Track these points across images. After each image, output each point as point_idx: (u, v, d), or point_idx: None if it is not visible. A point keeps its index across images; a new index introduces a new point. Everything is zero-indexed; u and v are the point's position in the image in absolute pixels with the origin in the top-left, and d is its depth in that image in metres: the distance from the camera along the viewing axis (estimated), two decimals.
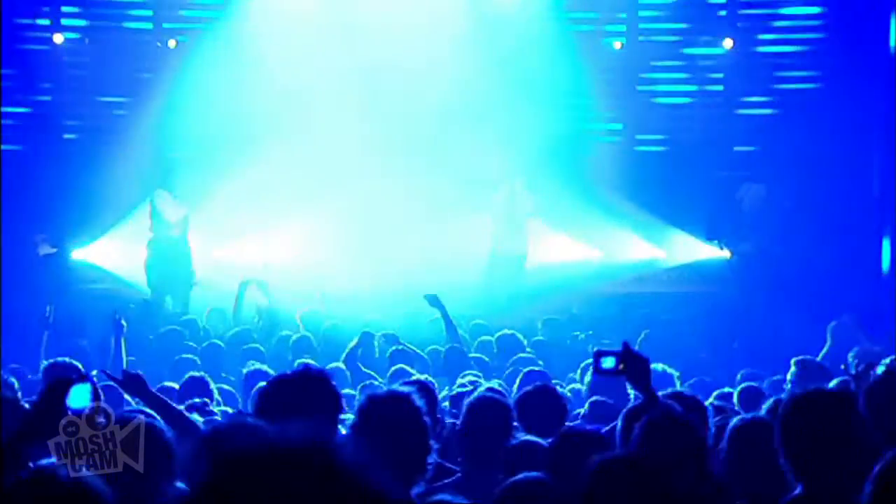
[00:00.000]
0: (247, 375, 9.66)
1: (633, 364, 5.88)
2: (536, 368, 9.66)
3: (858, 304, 15.08)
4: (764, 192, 17.10)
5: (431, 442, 4.79)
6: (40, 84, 18.18)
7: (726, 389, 9.42)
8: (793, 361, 9.39)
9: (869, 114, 17.25)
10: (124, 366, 9.68)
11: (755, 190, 17.06)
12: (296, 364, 8.33)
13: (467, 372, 10.26)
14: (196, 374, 9.03)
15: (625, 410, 5.79)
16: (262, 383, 6.00)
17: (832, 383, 7.56)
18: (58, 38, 18.13)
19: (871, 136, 17.35)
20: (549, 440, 5.73)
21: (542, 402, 6.97)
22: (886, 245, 16.93)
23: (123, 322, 10.68)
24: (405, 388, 5.11)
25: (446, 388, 9.64)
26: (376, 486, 1.93)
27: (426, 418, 4.80)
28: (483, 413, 6.17)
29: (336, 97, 17.35)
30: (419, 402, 4.81)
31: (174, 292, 16.37)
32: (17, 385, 8.98)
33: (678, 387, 8.64)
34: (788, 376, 9.22)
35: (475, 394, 6.81)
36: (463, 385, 8.89)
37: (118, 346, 10.47)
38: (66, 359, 8.72)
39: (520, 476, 5.06)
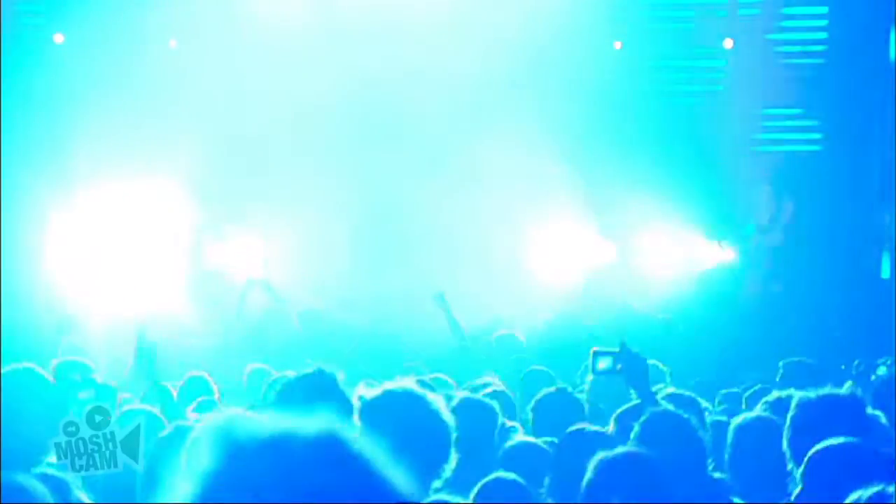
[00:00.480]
0: (248, 375, 9.66)
1: (630, 364, 5.90)
2: (539, 368, 9.66)
3: (858, 308, 15.14)
4: (769, 192, 17.11)
5: (450, 444, 4.57)
6: (40, 84, 18.17)
7: (734, 390, 9.41)
8: (780, 363, 9.39)
9: (869, 115, 17.28)
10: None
11: (764, 191, 17.06)
12: (300, 364, 8.32)
13: (487, 379, 10.24)
14: (197, 373, 9.03)
15: (616, 413, 5.81)
16: (273, 380, 6.00)
17: (846, 386, 7.54)
18: (58, 38, 18.12)
19: (872, 138, 17.36)
20: (550, 441, 5.74)
21: (558, 405, 6.98)
22: (886, 253, 16.93)
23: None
24: (419, 388, 5.00)
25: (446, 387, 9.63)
26: (387, 480, 1.93)
27: (442, 418, 4.61)
28: (466, 414, 6.14)
29: (337, 97, 17.33)
30: (436, 401, 4.67)
31: None
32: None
33: (668, 382, 8.65)
34: (777, 378, 9.21)
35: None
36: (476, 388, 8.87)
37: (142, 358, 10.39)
38: (76, 358, 8.74)
39: (493, 476, 5.07)
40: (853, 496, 3.89)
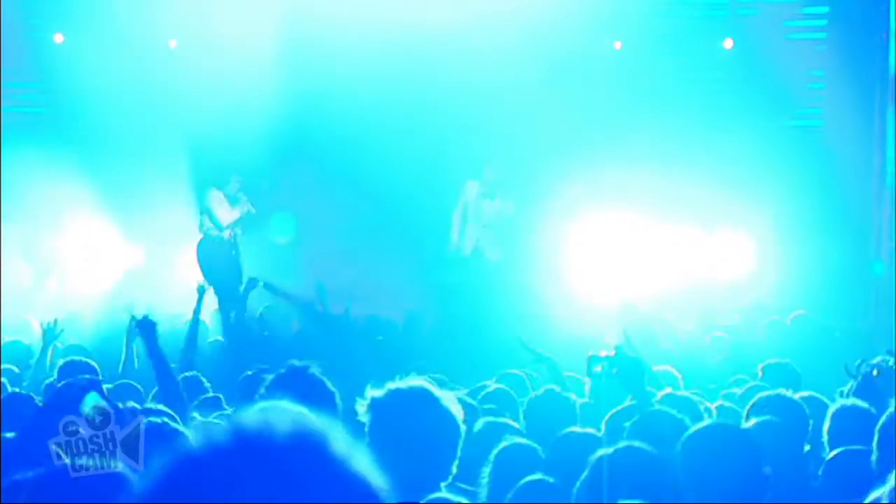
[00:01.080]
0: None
1: (626, 368, 5.92)
2: (515, 372, 9.67)
3: (856, 308, 15.12)
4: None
5: (458, 444, 4.48)
6: (40, 84, 18.20)
7: (734, 390, 9.41)
8: (759, 367, 9.39)
9: (868, 114, 17.31)
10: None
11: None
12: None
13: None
14: (190, 374, 9.01)
15: (608, 415, 5.83)
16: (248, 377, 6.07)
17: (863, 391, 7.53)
18: (58, 38, 18.13)
19: (871, 136, 17.39)
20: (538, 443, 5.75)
21: (549, 406, 7.00)
22: (889, 249, 16.93)
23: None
24: (428, 385, 4.91)
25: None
26: (360, 480, 1.91)
27: (455, 418, 4.51)
28: None
29: (338, 97, 17.40)
30: (444, 398, 4.57)
31: (225, 294, 16.02)
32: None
33: (681, 388, 8.65)
34: (757, 379, 9.20)
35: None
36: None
37: (129, 350, 10.38)
38: (81, 357, 8.76)
39: (528, 479, 5.08)
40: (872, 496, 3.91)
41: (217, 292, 15.47)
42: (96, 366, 8.41)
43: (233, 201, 16.80)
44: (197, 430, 2.00)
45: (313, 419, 1.93)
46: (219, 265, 16.11)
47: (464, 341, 13.25)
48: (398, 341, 13.30)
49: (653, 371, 7.75)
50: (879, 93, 17.24)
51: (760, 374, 9.31)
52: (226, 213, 16.71)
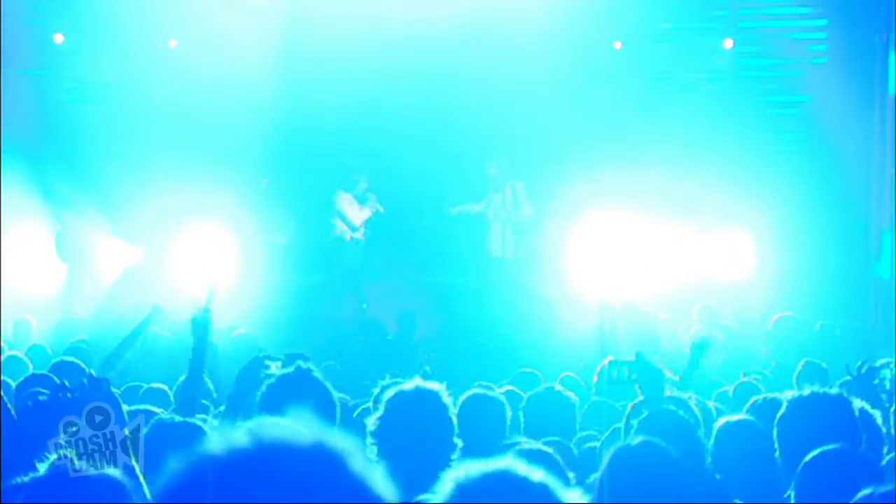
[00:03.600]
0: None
1: (646, 374, 5.93)
2: (529, 371, 9.67)
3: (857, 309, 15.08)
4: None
5: (455, 439, 4.87)
6: (42, 84, 18.19)
7: (726, 389, 9.40)
8: (801, 362, 9.39)
9: (869, 115, 17.31)
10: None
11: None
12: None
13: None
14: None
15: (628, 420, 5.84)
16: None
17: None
18: (58, 38, 18.12)
19: (872, 137, 17.38)
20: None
21: (548, 404, 7.01)
22: (886, 249, 16.92)
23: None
24: (432, 386, 5.12)
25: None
26: (374, 489, 1.93)
27: (451, 416, 4.91)
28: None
29: (338, 99, 17.41)
30: (446, 399, 4.92)
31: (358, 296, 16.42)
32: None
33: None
34: (794, 378, 9.20)
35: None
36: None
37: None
38: (71, 358, 8.77)
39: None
40: (863, 493, 3.90)
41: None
42: (85, 367, 8.41)
43: (362, 201, 17.12)
44: (217, 434, 1.98)
45: (333, 434, 1.95)
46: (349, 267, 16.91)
47: (461, 343, 13.27)
48: (398, 342, 13.32)
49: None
50: (880, 93, 17.24)
51: (800, 370, 9.31)
52: (356, 213, 16.96)
